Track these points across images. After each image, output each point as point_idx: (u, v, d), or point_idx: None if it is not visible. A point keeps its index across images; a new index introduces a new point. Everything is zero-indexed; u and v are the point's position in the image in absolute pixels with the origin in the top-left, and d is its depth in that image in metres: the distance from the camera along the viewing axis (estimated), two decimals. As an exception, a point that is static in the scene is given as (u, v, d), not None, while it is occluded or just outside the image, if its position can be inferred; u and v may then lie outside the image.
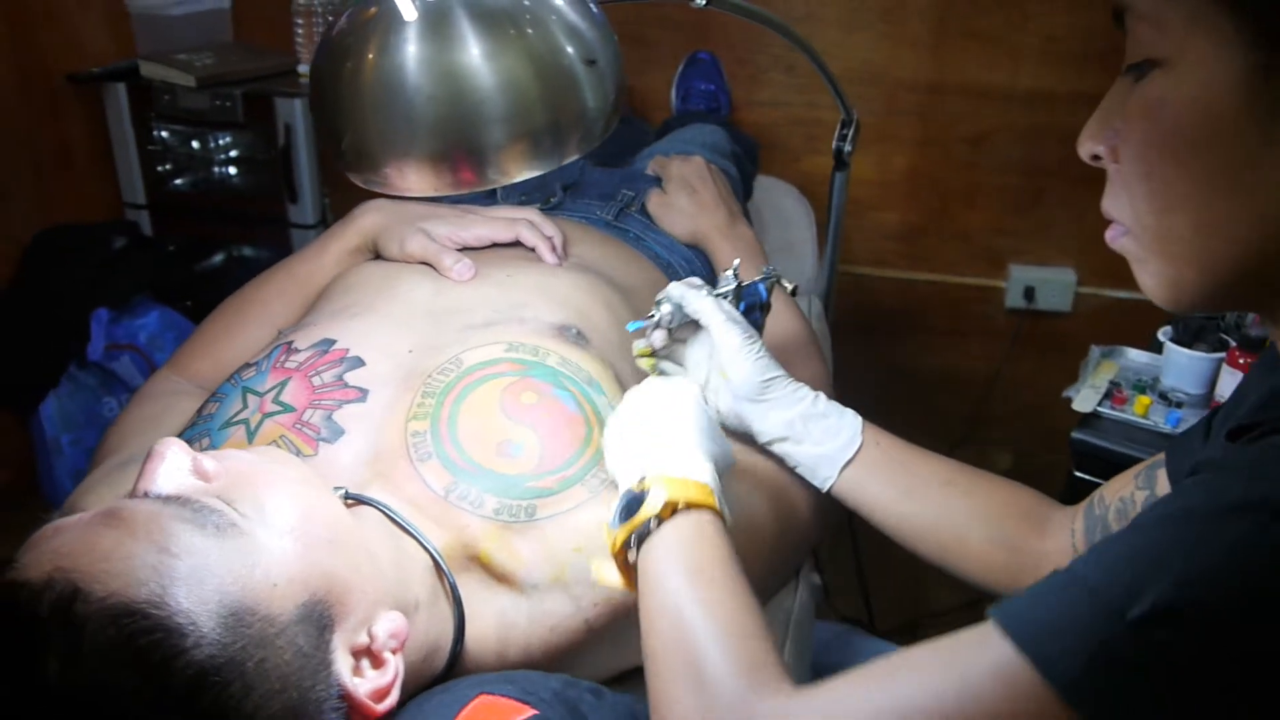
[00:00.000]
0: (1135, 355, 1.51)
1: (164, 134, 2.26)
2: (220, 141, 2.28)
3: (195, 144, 2.28)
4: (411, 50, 0.71)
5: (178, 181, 2.31)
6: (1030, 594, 0.60)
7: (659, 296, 1.01)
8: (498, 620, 0.87)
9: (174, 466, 0.75)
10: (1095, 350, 1.53)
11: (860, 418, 1.00)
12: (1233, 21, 0.56)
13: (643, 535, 0.79)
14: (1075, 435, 1.36)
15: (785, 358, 1.17)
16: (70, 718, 0.59)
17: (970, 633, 0.61)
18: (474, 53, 0.71)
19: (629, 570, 0.81)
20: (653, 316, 1.00)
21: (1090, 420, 1.37)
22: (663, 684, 0.72)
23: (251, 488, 0.76)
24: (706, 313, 0.98)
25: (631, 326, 1.00)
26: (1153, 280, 0.64)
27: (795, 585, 1.12)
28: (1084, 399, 1.38)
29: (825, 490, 0.99)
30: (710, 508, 0.80)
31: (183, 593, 0.64)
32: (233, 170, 2.31)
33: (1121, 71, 0.63)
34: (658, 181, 1.44)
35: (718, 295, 1.01)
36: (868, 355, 2.46)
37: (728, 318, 0.98)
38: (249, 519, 0.72)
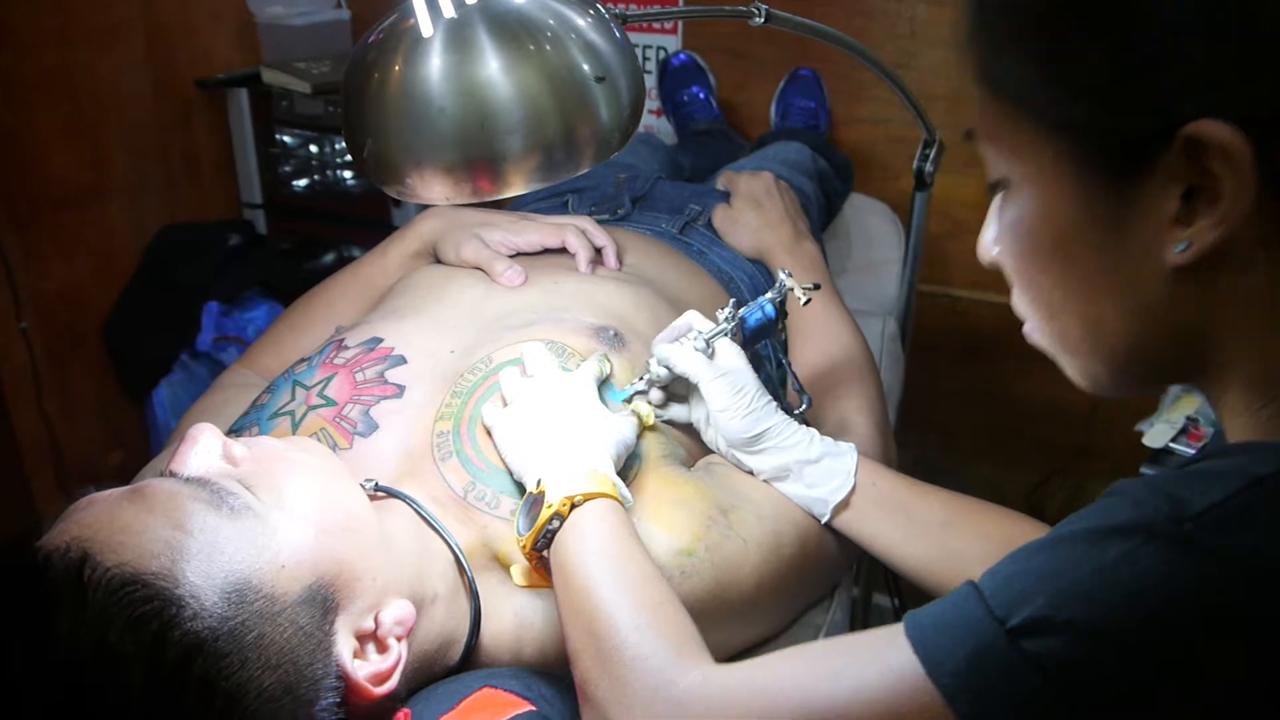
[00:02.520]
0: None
1: (285, 138, 2.38)
2: (337, 146, 2.38)
3: (314, 148, 2.39)
4: (430, 64, 0.74)
5: (297, 184, 2.43)
6: (938, 603, 0.63)
7: (650, 358, 1.02)
8: (515, 619, 0.89)
9: (204, 450, 0.80)
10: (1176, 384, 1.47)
11: (856, 458, 1.00)
12: (1053, 149, 0.59)
13: (549, 535, 0.82)
14: (1145, 471, 1.31)
15: (830, 382, 1.17)
16: (73, 675, 0.63)
17: (887, 630, 0.64)
18: (491, 67, 0.74)
19: (545, 570, 0.84)
20: (644, 378, 1.01)
21: (1162, 456, 1.32)
22: (585, 668, 0.75)
23: (273, 474, 0.80)
24: (693, 372, 0.99)
25: (619, 397, 1.01)
26: (1071, 372, 0.68)
27: (830, 604, 1.11)
28: (1156, 434, 1.34)
29: (825, 525, 1.00)
30: (608, 495, 0.83)
31: (191, 567, 0.68)
32: (346, 174, 2.41)
33: (988, 186, 0.66)
34: (726, 196, 1.45)
35: (714, 336, 1.00)
36: (965, 379, 2.41)
37: (715, 375, 0.98)
38: (265, 503, 0.76)
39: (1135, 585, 0.54)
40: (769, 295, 1.04)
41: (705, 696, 0.69)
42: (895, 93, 1.39)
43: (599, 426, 0.91)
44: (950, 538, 0.96)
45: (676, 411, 1.04)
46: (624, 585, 0.77)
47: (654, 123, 2.36)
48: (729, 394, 0.98)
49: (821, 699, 0.64)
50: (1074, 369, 0.67)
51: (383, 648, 0.79)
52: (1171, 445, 1.33)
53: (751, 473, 1.01)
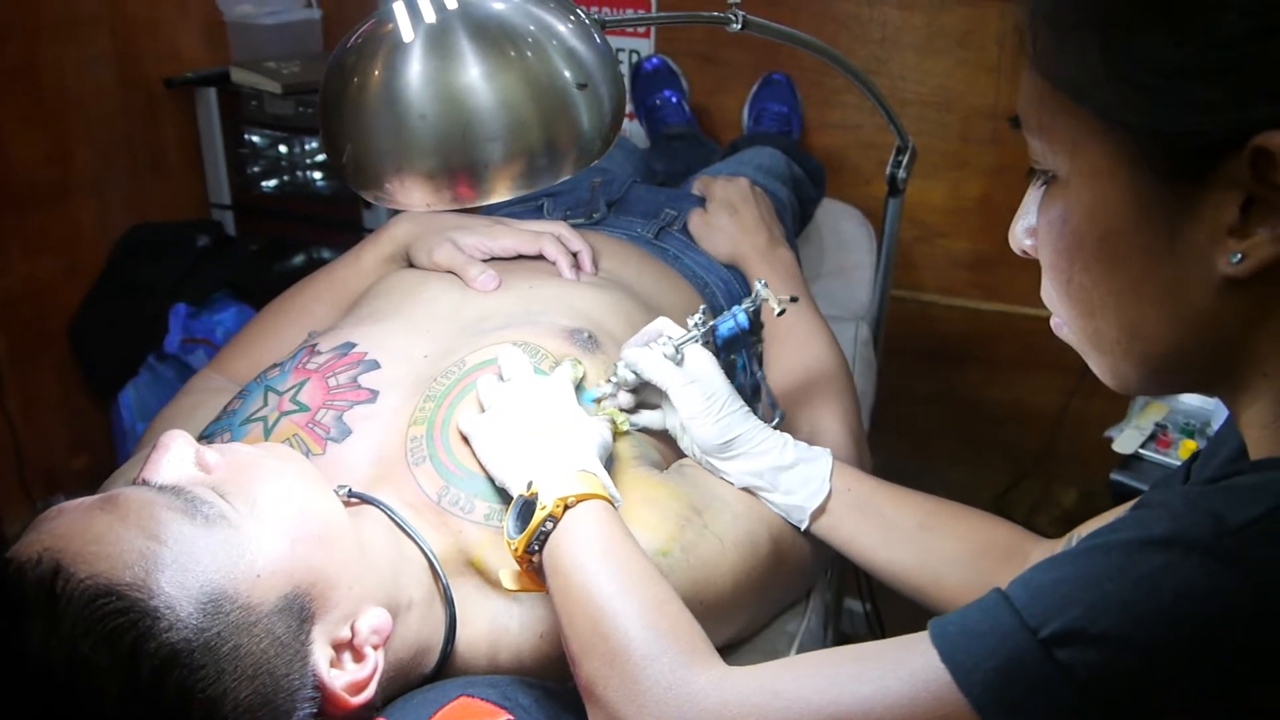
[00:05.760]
0: (1187, 398, 1.46)
1: (254, 138, 2.36)
2: (307, 146, 2.36)
3: (283, 148, 2.37)
4: (411, 69, 0.74)
5: (265, 184, 2.41)
6: (965, 610, 0.62)
7: (618, 361, 1.01)
8: (490, 625, 0.88)
9: (177, 457, 0.79)
10: (1145, 390, 1.49)
11: (831, 463, 1.00)
12: (1110, 146, 0.58)
13: (543, 537, 0.81)
14: (1115, 477, 1.33)
15: (804, 390, 1.17)
16: (46, 689, 0.62)
17: (909, 637, 0.64)
18: (472, 73, 0.74)
19: (536, 574, 0.84)
20: (611, 381, 1.01)
21: (1131, 462, 1.34)
22: (592, 669, 0.74)
23: (247, 481, 0.79)
24: (662, 378, 0.98)
25: (588, 399, 1.00)
26: (1098, 370, 0.66)
27: (805, 609, 1.11)
28: (1126, 440, 1.35)
29: (803, 532, 1.00)
30: (600, 496, 0.83)
31: (165, 578, 0.67)
32: (316, 175, 2.40)
33: (1026, 173, 0.65)
34: (702, 201, 1.45)
35: (684, 342, 1.00)
36: (933, 384, 2.43)
37: (684, 381, 0.97)
38: (239, 511, 0.75)
39: (1174, 598, 0.54)
40: (744, 305, 1.03)
41: (721, 698, 0.68)
42: (868, 99, 1.40)
43: (582, 428, 0.91)
44: (927, 541, 0.96)
45: (651, 419, 1.04)
46: (626, 585, 0.76)
47: (626, 125, 2.36)
48: (699, 400, 0.97)
49: (842, 704, 0.63)
50: (1102, 368, 0.66)
51: (359, 657, 0.78)
52: (1141, 451, 1.34)
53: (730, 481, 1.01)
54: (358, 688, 0.77)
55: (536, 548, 0.82)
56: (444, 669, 0.88)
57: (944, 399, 2.43)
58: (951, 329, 2.40)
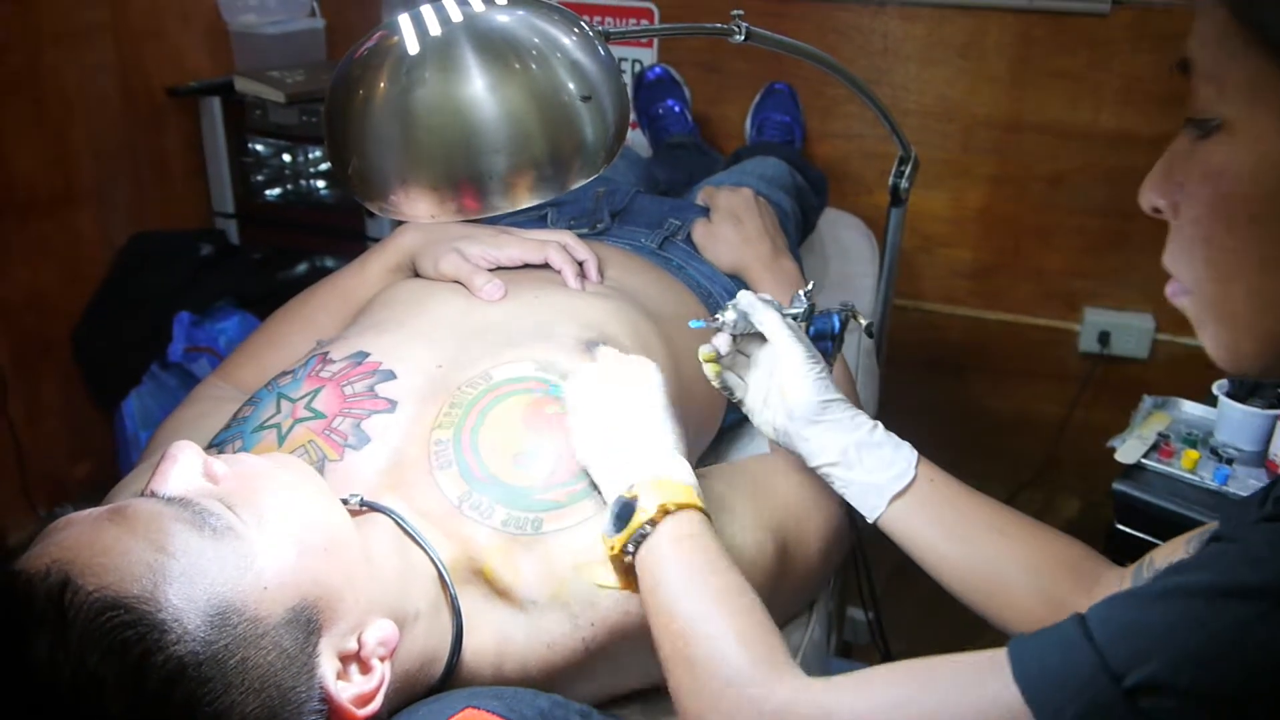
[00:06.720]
0: (1190, 408, 1.47)
1: (258, 147, 2.36)
2: (311, 155, 2.37)
3: (287, 157, 2.37)
4: (417, 81, 0.74)
5: (269, 193, 2.41)
6: (1044, 639, 0.62)
7: (730, 302, 1.01)
8: (496, 635, 0.88)
9: (185, 468, 0.79)
10: (1148, 400, 1.49)
11: (916, 452, 0.98)
12: None
13: (639, 539, 0.83)
14: (1117, 487, 1.32)
15: None
16: (54, 701, 0.62)
17: (986, 659, 0.64)
18: (477, 86, 0.74)
19: (628, 573, 0.86)
20: (717, 319, 1.01)
21: (1134, 472, 1.33)
22: (679, 676, 0.76)
23: (255, 492, 0.79)
24: (771, 326, 0.98)
25: (694, 324, 1.02)
26: (1211, 343, 0.64)
27: (808, 619, 1.11)
28: (1129, 450, 1.35)
29: (872, 521, 0.98)
30: (697, 507, 0.85)
31: (173, 590, 0.67)
32: (320, 184, 2.40)
33: (1184, 122, 0.62)
34: (706, 211, 1.45)
35: (787, 314, 1.01)
36: (935, 393, 2.43)
37: (792, 334, 0.98)
38: (247, 523, 0.75)
39: (1257, 655, 0.53)
40: (835, 310, 1.06)
41: (801, 715, 0.69)
42: (870, 109, 1.40)
43: (674, 437, 0.92)
44: (1000, 543, 0.94)
45: (735, 384, 1.04)
46: (714, 595, 0.78)
47: (629, 135, 2.37)
48: (803, 357, 0.97)
49: None
50: (1217, 341, 0.63)
51: (366, 669, 0.78)
52: (1144, 461, 1.34)
53: (805, 458, 0.99)
54: (364, 700, 0.77)
55: (632, 549, 0.84)
56: (449, 679, 0.87)
57: (946, 408, 2.44)
58: (953, 338, 2.40)
